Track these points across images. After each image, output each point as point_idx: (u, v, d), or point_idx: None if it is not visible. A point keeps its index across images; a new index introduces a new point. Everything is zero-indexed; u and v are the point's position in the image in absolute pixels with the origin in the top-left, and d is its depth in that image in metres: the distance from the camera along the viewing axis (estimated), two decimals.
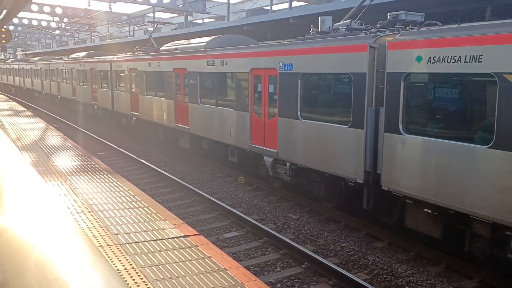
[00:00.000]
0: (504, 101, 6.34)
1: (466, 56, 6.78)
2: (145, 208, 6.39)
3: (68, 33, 49.16)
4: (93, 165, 9.29)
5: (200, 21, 39.11)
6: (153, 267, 4.50)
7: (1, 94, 39.13)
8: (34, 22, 40.03)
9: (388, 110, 8.10)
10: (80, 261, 1.05)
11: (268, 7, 25.27)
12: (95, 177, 8.16)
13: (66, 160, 9.65)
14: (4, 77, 54.32)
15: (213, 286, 4.16)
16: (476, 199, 6.77)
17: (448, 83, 7.22)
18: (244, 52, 12.25)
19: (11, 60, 55.98)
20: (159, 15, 41.78)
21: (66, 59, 31.19)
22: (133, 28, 42.35)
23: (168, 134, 17.52)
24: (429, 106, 7.61)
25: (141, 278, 4.26)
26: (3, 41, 21.96)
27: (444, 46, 7.09)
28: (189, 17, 34.09)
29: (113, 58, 22.09)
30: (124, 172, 14.08)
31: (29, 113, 20.09)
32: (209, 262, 4.68)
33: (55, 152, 10.54)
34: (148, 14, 39.32)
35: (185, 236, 5.35)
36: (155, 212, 6.25)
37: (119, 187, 7.54)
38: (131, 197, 6.95)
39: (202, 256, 4.81)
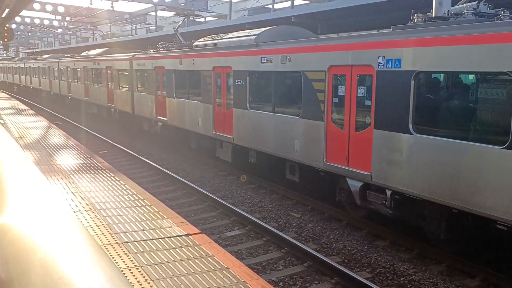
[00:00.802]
0: None
1: None
2: (147, 207, 6.40)
3: (71, 32, 49.25)
4: (95, 163, 9.31)
5: (202, 19, 39.11)
6: (155, 266, 4.51)
7: (3, 92, 39.20)
8: (37, 21, 40.08)
9: None
10: (83, 260, 1.05)
11: (270, 6, 25.22)
12: (97, 176, 8.17)
13: (68, 159, 9.67)
14: (10, 76, 52.04)
15: (215, 285, 4.16)
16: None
17: None
18: (319, 45, 9.82)
19: (17, 59, 55.14)
20: (160, 13, 41.79)
21: (78, 57, 28.90)
22: (135, 26, 42.38)
23: (203, 143, 15.37)
24: None
25: (144, 277, 4.27)
26: (5, 40, 22.03)
27: None
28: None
29: (134, 55, 19.94)
30: (126, 170, 14.10)
31: (31, 111, 20.13)
32: (211, 260, 4.69)
33: (58, 151, 10.57)
34: (150, 13, 39.34)
35: (187, 235, 5.36)
36: (157, 210, 6.26)
37: (122, 185, 7.56)
38: (133, 195, 6.97)
39: (205, 254, 4.82)
